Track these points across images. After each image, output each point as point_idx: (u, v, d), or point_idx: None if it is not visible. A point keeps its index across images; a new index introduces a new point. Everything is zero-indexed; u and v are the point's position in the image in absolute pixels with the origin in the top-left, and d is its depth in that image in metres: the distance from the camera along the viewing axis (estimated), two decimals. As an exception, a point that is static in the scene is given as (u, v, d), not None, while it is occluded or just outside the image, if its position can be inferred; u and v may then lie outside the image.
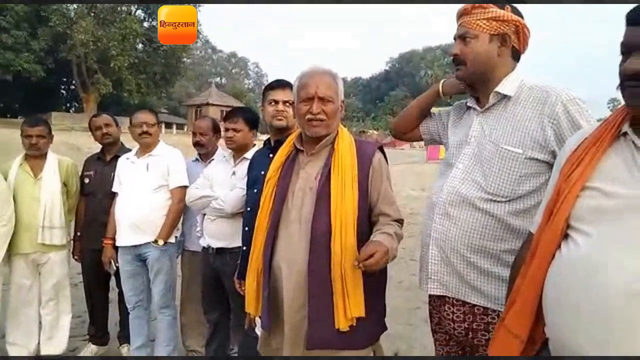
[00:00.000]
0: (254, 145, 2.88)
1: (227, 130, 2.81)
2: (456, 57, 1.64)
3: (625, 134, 1.09)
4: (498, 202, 1.53)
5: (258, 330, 2.16)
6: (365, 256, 1.51)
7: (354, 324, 1.67)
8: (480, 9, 1.58)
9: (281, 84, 2.47)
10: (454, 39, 1.67)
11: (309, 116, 1.77)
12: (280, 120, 2.41)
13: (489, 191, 1.55)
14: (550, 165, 1.50)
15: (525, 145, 1.52)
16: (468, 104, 1.76)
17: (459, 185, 1.60)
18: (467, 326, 1.60)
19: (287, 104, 2.39)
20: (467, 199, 1.57)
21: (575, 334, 1.03)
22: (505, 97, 1.62)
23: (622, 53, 1.07)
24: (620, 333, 0.96)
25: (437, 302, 1.69)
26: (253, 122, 2.82)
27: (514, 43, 1.62)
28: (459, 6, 1.66)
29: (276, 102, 2.42)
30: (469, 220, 1.56)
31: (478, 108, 1.69)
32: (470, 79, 1.67)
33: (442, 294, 1.64)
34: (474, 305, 1.59)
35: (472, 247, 1.56)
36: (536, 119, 1.53)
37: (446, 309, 1.64)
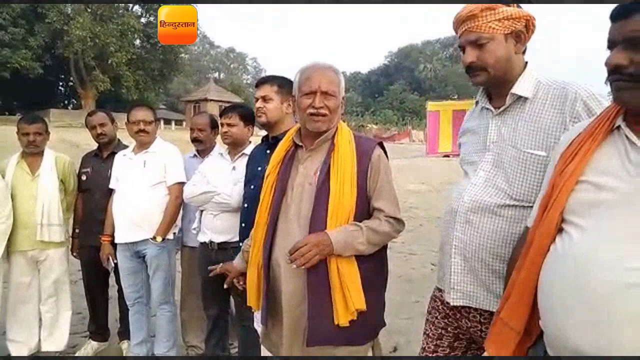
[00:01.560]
0: (250, 142, 2.88)
1: (222, 125, 2.83)
2: (472, 65, 1.55)
3: (618, 127, 1.10)
4: (524, 207, 1.48)
5: (257, 325, 2.17)
6: (292, 250, 1.62)
7: (355, 319, 1.67)
8: (488, 10, 1.50)
9: (260, 81, 2.51)
10: (460, 46, 1.58)
11: (310, 110, 1.76)
12: (259, 117, 2.45)
13: (514, 197, 1.50)
14: None
15: (549, 147, 1.46)
16: (481, 104, 1.69)
17: (481, 193, 1.55)
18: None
19: (265, 100, 2.41)
20: (489, 207, 1.52)
21: (568, 326, 1.03)
22: (521, 98, 1.55)
23: (608, 48, 1.09)
24: (611, 326, 0.96)
25: (459, 308, 1.64)
26: (248, 117, 2.82)
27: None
28: (459, 5, 1.58)
29: (257, 99, 2.45)
30: (493, 228, 1.52)
31: (493, 109, 1.62)
32: (491, 83, 1.59)
33: (465, 304, 1.59)
34: None
35: (498, 255, 1.52)
36: (557, 119, 1.48)
37: (472, 310, 1.60)
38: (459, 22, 1.56)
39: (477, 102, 1.72)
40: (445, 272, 1.64)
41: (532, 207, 1.45)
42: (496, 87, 1.60)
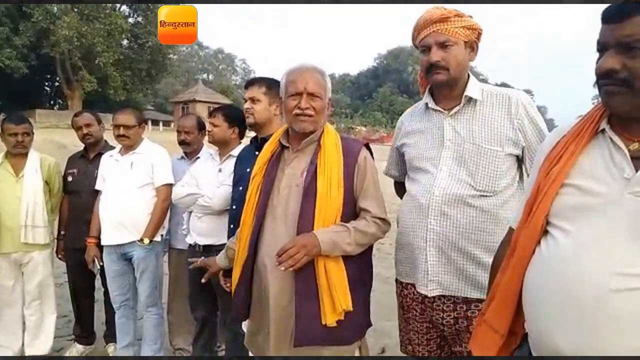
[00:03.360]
0: (240, 142, 2.87)
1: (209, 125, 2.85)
2: (437, 63, 1.67)
3: (603, 130, 1.09)
4: (487, 197, 1.66)
5: (245, 328, 2.16)
6: (280, 252, 1.63)
7: (342, 318, 1.68)
8: (458, 17, 1.67)
9: (248, 82, 2.52)
10: (424, 46, 1.70)
11: (296, 111, 1.77)
12: (247, 118, 2.47)
13: (478, 188, 1.66)
14: (518, 159, 1.70)
15: (502, 143, 1.68)
16: (429, 106, 1.81)
17: (450, 186, 1.67)
18: (456, 315, 1.67)
19: (253, 101, 2.43)
20: (461, 198, 1.66)
21: (552, 329, 1.04)
22: (471, 100, 1.73)
23: (598, 51, 1.06)
24: (596, 329, 0.97)
25: (431, 300, 1.71)
26: (233, 118, 2.80)
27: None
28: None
29: (245, 100, 2.47)
30: (466, 218, 1.65)
31: (444, 111, 1.76)
32: (448, 84, 1.72)
33: (440, 294, 1.68)
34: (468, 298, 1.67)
35: (476, 242, 1.65)
36: (506, 120, 1.69)
37: (446, 300, 1.69)
38: (427, 23, 1.69)
39: (427, 105, 1.82)
40: (416, 265, 1.73)
41: (493, 196, 1.65)
42: (449, 88, 1.74)
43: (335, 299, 1.66)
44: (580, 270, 1.00)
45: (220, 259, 2.13)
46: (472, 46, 1.73)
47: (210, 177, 2.77)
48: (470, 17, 1.70)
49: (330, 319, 1.67)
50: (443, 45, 1.67)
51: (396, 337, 3.70)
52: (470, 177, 1.67)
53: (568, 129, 1.18)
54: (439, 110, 1.77)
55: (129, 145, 3.07)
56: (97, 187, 3.15)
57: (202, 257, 2.25)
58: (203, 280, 2.17)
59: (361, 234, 1.74)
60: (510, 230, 1.31)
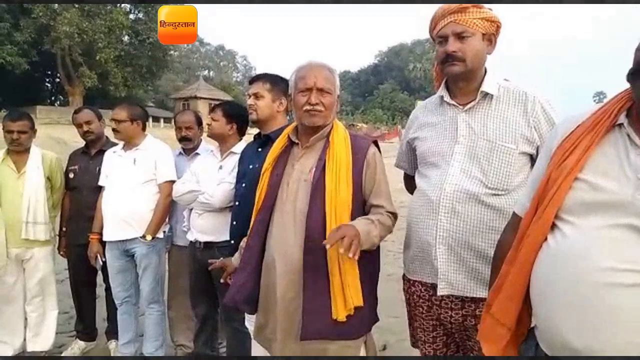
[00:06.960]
0: (240, 139, 2.86)
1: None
2: (453, 54, 1.64)
3: (620, 125, 1.07)
4: (499, 195, 1.62)
5: (248, 324, 2.16)
6: (333, 240, 1.52)
7: (352, 314, 1.68)
8: (476, 8, 1.64)
9: (252, 79, 2.52)
10: (443, 36, 1.67)
11: (307, 107, 1.78)
12: (250, 114, 2.47)
13: (490, 186, 1.63)
14: (532, 158, 1.66)
15: (517, 141, 1.63)
16: (445, 99, 1.77)
17: (461, 183, 1.64)
18: (465, 313, 1.65)
19: (256, 97, 2.42)
20: (473, 195, 1.62)
21: (561, 325, 1.04)
22: (487, 96, 1.69)
23: None
24: (602, 323, 0.97)
25: (439, 299, 1.69)
26: (232, 114, 2.80)
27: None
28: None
29: (249, 96, 2.46)
30: (477, 216, 1.62)
31: (459, 106, 1.73)
32: (464, 76, 1.69)
33: (449, 293, 1.66)
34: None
35: (484, 241, 1.61)
36: (522, 118, 1.65)
37: (454, 299, 1.67)
38: (445, 13, 1.66)
39: (442, 99, 1.79)
40: (425, 263, 1.71)
41: (505, 195, 1.61)
42: (465, 81, 1.71)
43: (348, 296, 1.66)
44: (587, 267, 0.99)
45: (236, 260, 2.13)
46: (490, 39, 1.69)
47: (210, 174, 2.77)
48: (490, 9, 1.67)
49: (341, 314, 1.67)
50: (460, 36, 1.64)
51: (398, 334, 3.72)
52: (482, 174, 1.63)
53: (584, 117, 1.14)
54: (454, 105, 1.74)
55: (121, 139, 3.08)
56: (100, 183, 3.14)
57: (221, 258, 2.24)
58: (222, 281, 2.17)
59: (382, 227, 1.74)
60: (514, 215, 1.30)
